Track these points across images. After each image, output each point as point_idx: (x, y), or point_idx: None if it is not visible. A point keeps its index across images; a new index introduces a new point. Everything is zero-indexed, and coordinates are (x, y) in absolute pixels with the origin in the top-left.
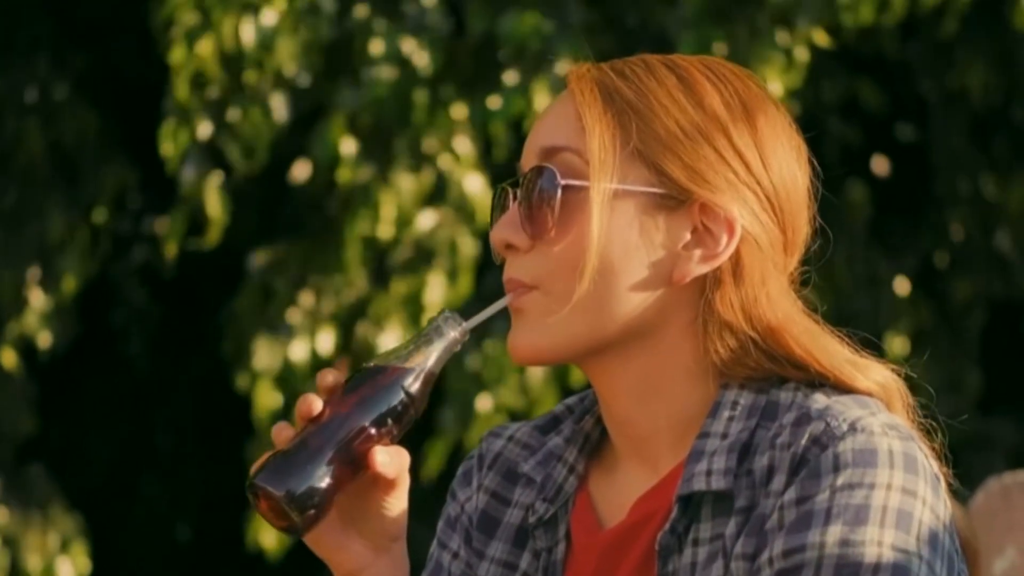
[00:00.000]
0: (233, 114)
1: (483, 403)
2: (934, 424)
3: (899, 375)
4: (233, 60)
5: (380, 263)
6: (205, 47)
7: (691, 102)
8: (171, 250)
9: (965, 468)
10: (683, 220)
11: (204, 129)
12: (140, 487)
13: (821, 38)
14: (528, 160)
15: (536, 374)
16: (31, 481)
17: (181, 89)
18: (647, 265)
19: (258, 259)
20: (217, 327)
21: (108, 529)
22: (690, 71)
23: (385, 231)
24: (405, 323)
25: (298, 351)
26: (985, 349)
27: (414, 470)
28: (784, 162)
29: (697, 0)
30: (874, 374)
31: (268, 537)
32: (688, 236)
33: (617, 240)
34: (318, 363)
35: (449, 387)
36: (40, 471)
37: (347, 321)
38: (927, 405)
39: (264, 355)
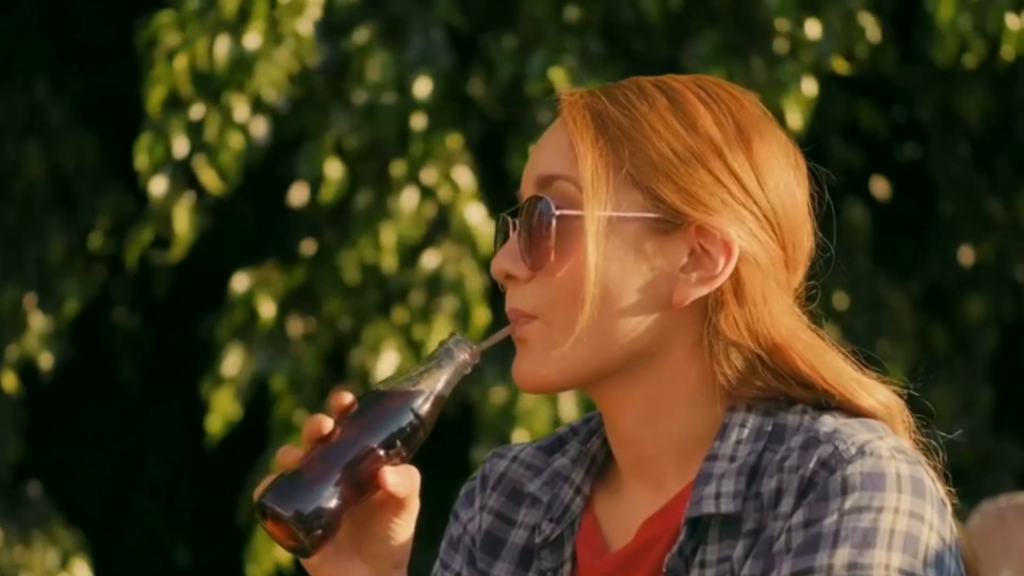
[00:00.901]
0: (211, 135)
1: (519, 437)
2: (935, 444)
3: (900, 396)
4: (211, 80)
5: (383, 290)
6: (180, 63)
7: (683, 124)
8: (132, 258)
9: (975, 488)
10: (679, 243)
11: (180, 146)
12: (136, 511)
13: (840, 65)
14: (526, 189)
15: (568, 409)
16: (28, 500)
17: (155, 101)
18: (645, 290)
19: (240, 280)
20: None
21: (104, 554)
22: (683, 93)
23: (386, 261)
24: (403, 351)
25: (276, 369)
26: (996, 370)
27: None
28: (781, 179)
29: (715, 37)
30: (877, 393)
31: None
32: (685, 259)
33: (614, 267)
34: (297, 383)
35: (482, 422)
36: (37, 489)
37: (341, 346)
38: (930, 425)
39: (233, 364)
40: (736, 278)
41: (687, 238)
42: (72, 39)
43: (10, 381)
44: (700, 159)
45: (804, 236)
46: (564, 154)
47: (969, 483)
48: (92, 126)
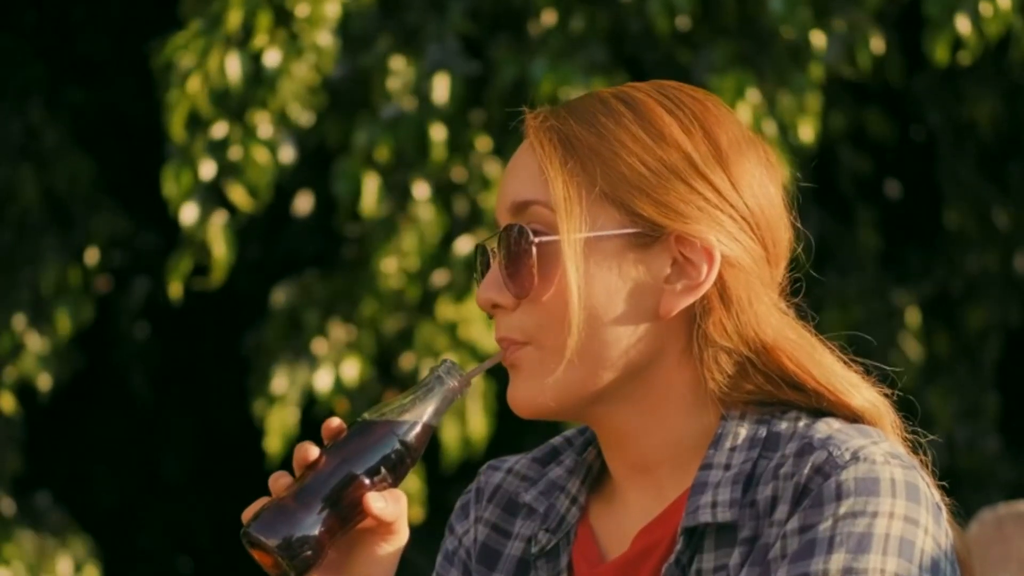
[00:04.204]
0: (235, 153)
1: None
2: (922, 443)
3: (888, 396)
4: (234, 100)
5: (423, 292)
6: (194, 84)
7: (651, 136)
8: (176, 291)
9: (984, 494)
10: (661, 254)
11: (207, 169)
12: (143, 521)
13: (846, 70)
14: (501, 215)
15: None
16: (40, 509)
17: (177, 125)
18: (632, 305)
19: (280, 294)
20: (227, 359)
21: (112, 563)
22: (646, 103)
23: (411, 263)
24: (450, 349)
25: (323, 380)
26: (1002, 377)
27: None
28: (753, 177)
29: (727, 46)
30: (866, 392)
31: None
32: (668, 269)
33: (598, 286)
34: (344, 392)
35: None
36: (48, 499)
37: (387, 351)
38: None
39: (283, 382)
40: (721, 283)
41: (668, 249)
42: (69, 57)
43: (8, 402)
44: (672, 170)
45: (782, 230)
46: (535, 178)
47: (979, 489)
48: (89, 145)
